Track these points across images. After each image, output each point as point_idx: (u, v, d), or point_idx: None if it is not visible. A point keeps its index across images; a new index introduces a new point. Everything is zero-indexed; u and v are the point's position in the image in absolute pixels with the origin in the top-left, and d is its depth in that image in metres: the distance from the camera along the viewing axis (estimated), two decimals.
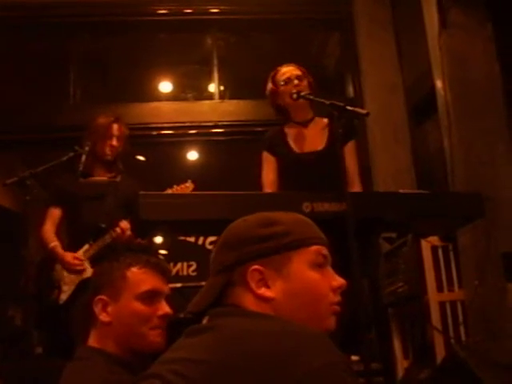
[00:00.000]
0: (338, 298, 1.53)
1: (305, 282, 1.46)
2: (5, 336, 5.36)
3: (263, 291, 1.43)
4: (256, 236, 1.47)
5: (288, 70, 3.84)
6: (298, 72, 3.82)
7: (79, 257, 4.09)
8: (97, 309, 1.94)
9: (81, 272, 4.09)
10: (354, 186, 3.72)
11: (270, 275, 1.44)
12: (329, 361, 1.21)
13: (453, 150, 4.31)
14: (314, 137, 3.82)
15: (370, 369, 2.85)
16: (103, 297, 1.95)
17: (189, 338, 1.39)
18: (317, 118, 3.89)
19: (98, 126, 4.30)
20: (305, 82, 3.78)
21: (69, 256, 4.11)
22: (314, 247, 1.49)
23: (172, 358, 1.36)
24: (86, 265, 4.08)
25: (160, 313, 1.97)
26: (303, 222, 1.54)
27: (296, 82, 3.74)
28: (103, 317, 1.93)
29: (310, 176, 3.64)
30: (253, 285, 1.43)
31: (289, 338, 1.26)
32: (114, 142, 4.29)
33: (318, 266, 1.49)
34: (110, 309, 1.94)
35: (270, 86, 3.90)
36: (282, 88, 3.82)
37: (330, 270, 1.53)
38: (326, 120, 3.87)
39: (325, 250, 1.52)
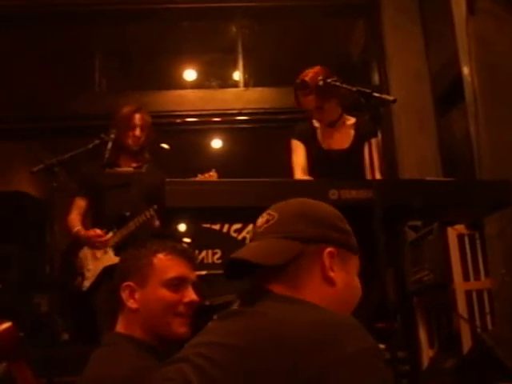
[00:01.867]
0: None
1: (353, 283, 1.53)
2: (31, 323, 5.41)
3: (333, 274, 1.46)
4: (338, 226, 1.52)
5: (303, 75, 3.78)
6: (312, 75, 3.73)
7: (102, 233, 4.13)
8: (124, 295, 1.95)
9: (105, 244, 4.12)
10: None
11: (338, 264, 1.48)
12: (361, 347, 1.21)
13: (479, 137, 4.26)
14: (341, 135, 3.85)
15: (395, 357, 2.84)
16: (130, 283, 1.95)
17: (220, 322, 1.39)
18: (345, 117, 3.89)
19: (120, 117, 4.31)
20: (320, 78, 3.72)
21: (91, 231, 4.16)
22: (358, 258, 1.56)
23: (200, 341, 1.36)
24: (110, 253, 4.11)
25: (186, 300, 1.97)
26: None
27: (320, 77, 3.69)
28: (131, 303, 1.94)
29: (335, 172, 3.64)
30: (327, 264, 1.45)
31: (321, 325, 1.25)
32: (137, 132, 4.29)
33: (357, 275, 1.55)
34: (137, 295, 1.94)
35: (295, 94, 3.87)
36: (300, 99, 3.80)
37: None
38: (353, 119, 3.87)
39: None
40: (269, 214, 1.52)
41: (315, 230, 1.48)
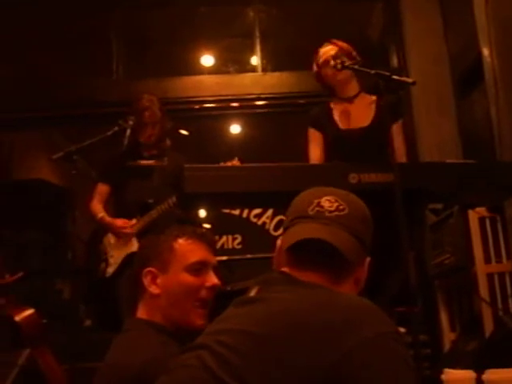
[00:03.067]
0: None
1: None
2: (53, 310, 5.45)
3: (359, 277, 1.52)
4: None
5: (324, 52, 3.80)
6: (332, 51, 3.75)
7: (128, 223, 4.16)
8: (146, 281, 1.95)
9: (130, 237, 4.15)
10: None
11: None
12: (381, 331, 1.21)
13: (500, 118, 4.23)
14: (359, 113, 3.77)
15: (417, 341, 2.83)
16: (152, 269, 1.95)
17: (237, 309, 1.39)
18: (363, 94, 3.83)
19: (133, 113, 4.31)
20: (343, 59, 3.69)
21: (118, 221, 4.19)
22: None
23: (219, 328, 1.36)
24: (133, 240, 4.14)
25: (208, 284, 1.97)
26: None
27: (332, 63, 3.67)
28: (153, 289, 1.94)
29: (355, 152, 3.60)
30: (364, 271, 1.53)
31: (340, 309, 1.25)
32: (149, 131, 4.29)
33: None
34: (159, 281, 1.94)
35: (314, 67, 3.87)
36: (322, 71, 3.79)
37: None
38: (373, 97, 3.81)
39: None
40: (338, 202, 1.52)
41: (370, 239, 1.54)
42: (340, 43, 3.82)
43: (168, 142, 4.45)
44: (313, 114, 3.91)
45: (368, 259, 1.52)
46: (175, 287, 1.93)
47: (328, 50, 3.79)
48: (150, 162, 4.36)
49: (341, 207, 1.50)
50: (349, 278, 1.47)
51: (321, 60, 3.80)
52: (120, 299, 4.00)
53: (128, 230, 4.16)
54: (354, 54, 3.78)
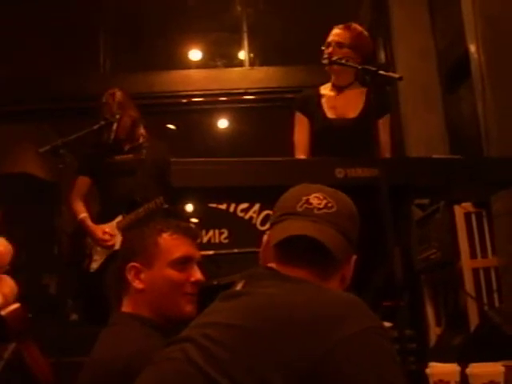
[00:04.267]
0: None
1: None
2: (40, 304, 5.44)
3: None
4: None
5: (332, 35, 3.70)
6: (339, 39, 3.66)
7: (110, 232, 4.11)
8: (130, 276, 1.95)
9: (111, 247, 4.11)
10: None
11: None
12: (365, 326, 1.21)
13: (487, 114, 4.24)
14: (348, 103, 3.71)
15: (402, 335, 2.84)
16: (136, 264, 1.95)
17: (223, 303, 1.39)
18: (356, 84, 3.77)
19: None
20: (344, 50, 3.61)
21: (99, 231, 4.14)
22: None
23: (204, 322, 1.36)
24: (118, 236, 4.10)
25: (193, 279, 1.98)
26: None
27: (330, 49, 3.65)
28: (136, 284, 1.94)
29: (340, 143, 3.57)
30: (350, 269, 1.55)
31: (325, 304, 1.26)
32: (114, 126, 4.23)
33: None
34: (143, 276, 1.95)
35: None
36: (324, 48, 3.69)
37: None
38: (364, 89, 3.74)
39: None
40: (326, 199, 1.52)
41: (356, 237, 1.54)
42: (356, 33, 3.72)
43: (142, 131, 4.39)
44: (301, 97, 3.85)
45: (354, 257, 1.54)
46: (160, 282, 1.94)
47: (337, 35, 3.69)
48: (129, 156, 4.32)
49: (329, 205, 1.51)
50: (335, 276, 1.48)
51: (327, 40, 3.69)
52: (105, 294, 3.98)
53: (110, 243, 4.12)
54: (365, 47, 3.71)
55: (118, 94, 4.33)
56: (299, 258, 1.45)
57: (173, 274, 1.95)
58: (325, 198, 1.51)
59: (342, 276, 1.51)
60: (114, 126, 4.14)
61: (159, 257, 1.96)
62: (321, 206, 1.50)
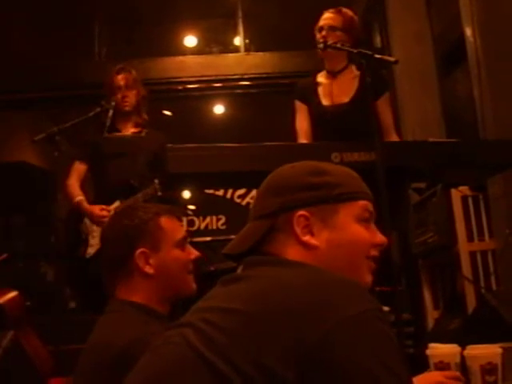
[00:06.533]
0: (376, 254, 1.51)
1: (349, 234, 1.44)
2: (38, 292, 5.44)
3: (308, 238, 1.41)
4: (306, 183, 1.43)
5: (324, 19, 3.69)
6: (332, 22, 3.66)
7: (107, 208, 4.09)
8: (140, 262, 1.94)
9: None
10: (391, 138, 3.66)
11: (316, 224, 1.42)
12: (363, 308, 1.21)
13: (483, 97, 4.24)
14: (342, 88, 3.72)
15: (400, 319, 2.86)
16: (144, 249, 1.95)
17: (223, 287, 1.39)
18: (351, 67, 3.76)
19: (105, 84, 4.30)
20: (338, 33, 3.61)
21: (96, 208, 4.11)
22: (362, 202, 1.47)
23: (204, 306, 1.36)
24: None
25: (193, 256, 2.05)
26: (353, 176, 1.51)
27: (324, 33, 3.63)
28: (147, 269, 1.94)
29: (337, 129, 3.58)
30: (298, 231, 1.40)
31: (323, 288, 1.25)
32: (125, 93, 4.26)
33: (364, 220, 1.47)
34: (151, 260, 1.95)
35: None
36: (316, 34, 3.68)
37: (373, 226, 1.51)
38: (358, 72, 3.71)
39: (371, 206, 1.49)
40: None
41: (279, 199, 1.44)
42: (348, 16, 3.74)
43: (145, 116, 4.39)
44: (299, 86, 3.88)
45: (297, 214, 1.43)
46: (169, 264, 1.98)
47: (328, 18, 3.70)
48: (127, 133, 4.31)
49: (256, 194, 1.52)
50: (281, 250, 1.43)
51: (318, 25, 3.68)
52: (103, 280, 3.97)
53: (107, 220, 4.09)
54: (356, 31, 3.73)
55: (134, 72, 4.37)
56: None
57: (179, 254, 2.00)
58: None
59: (300, 243, 1.41)
60: (110, 113, 4.13)
61: (165, 239, 1.99)
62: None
